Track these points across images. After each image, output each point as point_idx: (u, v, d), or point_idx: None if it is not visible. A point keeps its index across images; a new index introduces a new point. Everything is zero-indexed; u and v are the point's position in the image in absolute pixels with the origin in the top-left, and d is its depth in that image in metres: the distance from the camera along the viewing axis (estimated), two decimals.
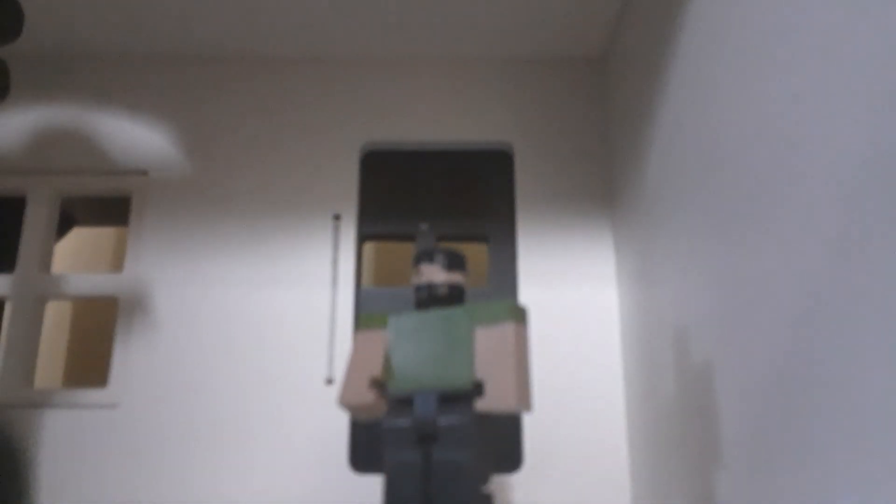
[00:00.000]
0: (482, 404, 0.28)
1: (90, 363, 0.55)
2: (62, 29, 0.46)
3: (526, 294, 0.44)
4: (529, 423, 0.42)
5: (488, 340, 0.29)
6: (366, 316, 0.32)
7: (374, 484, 0.41)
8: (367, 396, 0.30)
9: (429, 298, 0.31)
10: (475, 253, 0.42)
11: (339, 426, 0.42)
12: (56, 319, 0.58)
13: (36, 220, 0.46)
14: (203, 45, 0.48)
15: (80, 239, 0.59)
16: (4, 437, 0.42)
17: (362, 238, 0.46)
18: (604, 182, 0.46)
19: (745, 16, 0.27)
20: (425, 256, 0.31)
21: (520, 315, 0.29)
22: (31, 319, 0.44)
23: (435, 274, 0.31)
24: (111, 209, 0.49)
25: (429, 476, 0.28)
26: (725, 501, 0.28)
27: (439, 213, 0.46)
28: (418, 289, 0.31)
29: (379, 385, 0.30)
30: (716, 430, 0.29)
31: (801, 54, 0.23)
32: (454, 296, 0.31)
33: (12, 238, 0.46)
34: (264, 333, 0.44)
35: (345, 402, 0.30)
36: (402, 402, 0.30)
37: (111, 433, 0.42)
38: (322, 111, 0.48)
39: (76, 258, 0.60)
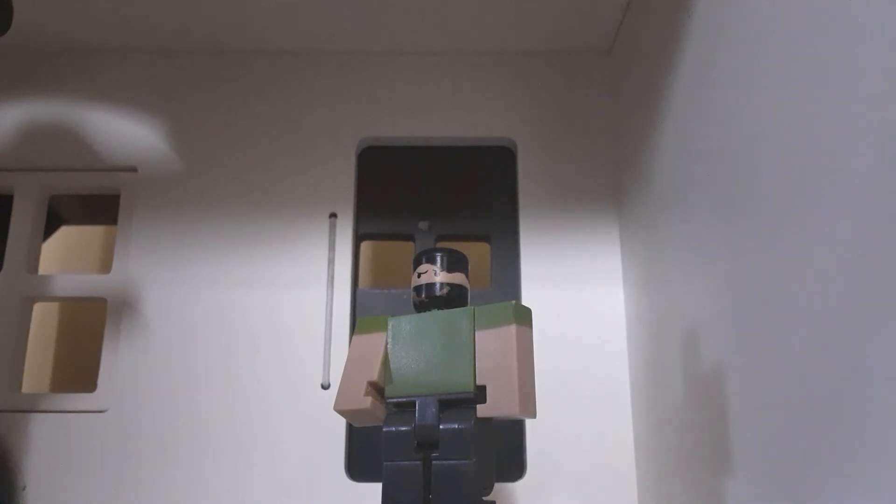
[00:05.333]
0: (484, 410, 0.28)
1: (78, 367, 0.55)
2: (50, 22, 0.46)
3: (529, 295, 0.43)
4: (533, 430, 0.42)
5: (490, 343, 0.28)
6: (364, 319, 0.31)
7: (371, 492, 0.40)
8: (364, 402, 0.29)
9: (429, 300, 0.30)
10: (477, 253, 0.41)
11: (335, 433, 0.41)
12: (43, 322, 0.58)
13: (23, 218, 0.45)
14: (194, 37, 0.47)
15: (68, 238, 0.59)
16: None
17: (360, 237, 0.46)
18: (610, 179, 0.46)
19: (754, 7, 0.26)
20: (425, 256, 0.31)
21: (523, 317, 0.29)
22: (18, 321, 0.44)
23: (435, 275, 0.30)
24: (100, 207, 0.48)
25: (429, 483, 0.28)
26: None
27: (439, 212, 0.46)
28: (418, 290, 0.31)
29: (376, 390, 0.30)
30: (727, 438, 0.28)
31: (812, 47, 0.22)
32: (455, 297, 0.30)
33: None
34: (257, 336, 0.43)
35: (341, 407, 0.30)
36: (402, 407, 0.29)
37: (99, 438, 0.41)
38: (318, 105, 0.47)
39: (64, 258, 0.59)
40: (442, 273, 0.30)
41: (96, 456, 0.41)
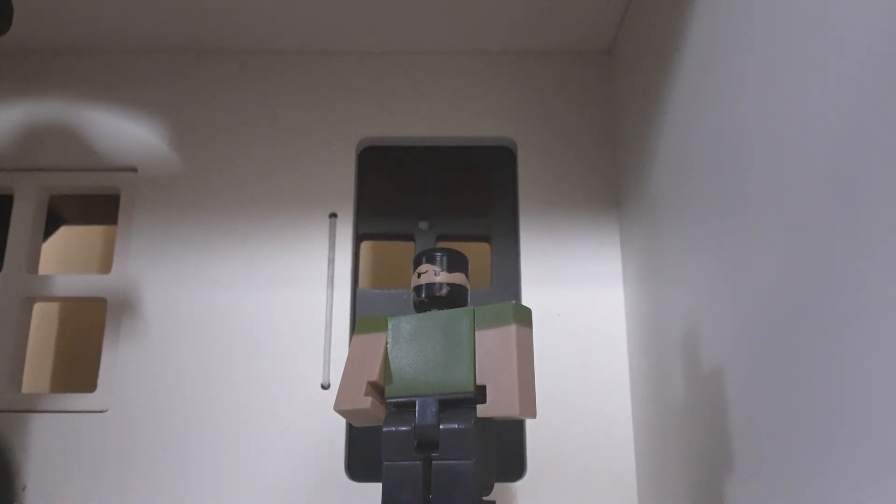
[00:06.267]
0: (484, 409, 0.28)
1: (78, 367, 0.55)
2: (50, 22, 0.45)
3: (529, 295, 0.43)
4: (533, 430, 0.41)
5: (490, 343, 0.28)
6: (364, 318, 0.31)
7: (371, 492, 0.40)
8: (364, 402, 0.29)
9: (429, 300, 0.30)
10: (477, 253, 0.41)
11: (335, 433, 0.41)
12: (43, 322, 0.58)
13: (23, 218, 0.45)
14: (195, 37, 0.47)
15: (68, 238, 0.58)
16: None
17: (360, 237, 0.46)
18: (610, 179, 0.45)
19: (754, 8, 0.26)
20: (425, 256, 0.31)
21: (523, 317, 0.29)
22: (18, 321, 0.44)
23: (435, 275, 0.30)
24: (100, 207, 0.48)
25: (429, 483, 0.28)
26: None
27: (440, 212, 0.46)
28: (417, 290, 0.31)
29: (376, 390, 0.30)
30: (727, 437, 0.28)
31: (813, 48, 0.22)
32: (455, 297, 0.30)
33: None
34: (258, 336, 0.43)
35: (341, 407, 0.30)
36: (403, 407, 0.29)
37: (100, 439, 0.41)
38: (318, 105, 0.47)
39: (64, 258, 0.59)
40: (442, 273, 0.30)
41: (96, 456, 0.41)
